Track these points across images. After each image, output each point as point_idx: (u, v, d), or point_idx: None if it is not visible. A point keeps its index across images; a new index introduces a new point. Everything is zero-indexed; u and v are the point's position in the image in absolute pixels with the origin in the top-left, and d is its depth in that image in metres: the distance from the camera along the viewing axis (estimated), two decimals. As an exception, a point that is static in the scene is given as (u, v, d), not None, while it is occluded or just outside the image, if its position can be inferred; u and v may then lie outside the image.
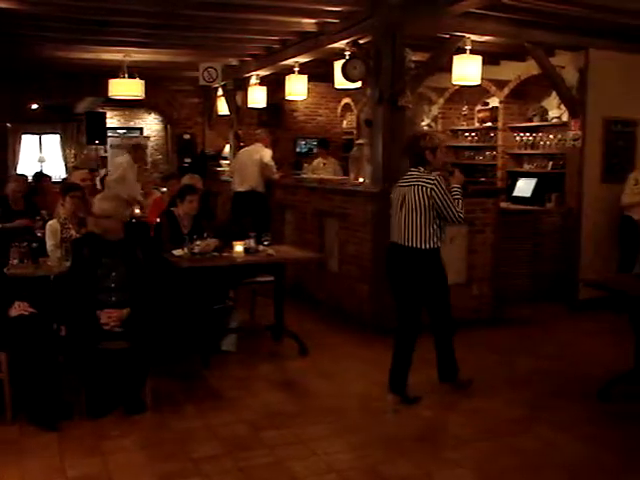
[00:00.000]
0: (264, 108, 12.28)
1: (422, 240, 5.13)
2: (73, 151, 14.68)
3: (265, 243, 6.48)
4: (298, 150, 14.93)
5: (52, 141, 15.05)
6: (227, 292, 6.77)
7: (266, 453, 4.41)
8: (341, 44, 8.18)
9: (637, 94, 8.68)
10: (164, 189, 9.17)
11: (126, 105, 14.63)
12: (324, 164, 11.90)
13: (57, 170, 14.47)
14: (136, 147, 10.92)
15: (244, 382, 5.76)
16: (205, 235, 6.23)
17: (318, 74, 11.04)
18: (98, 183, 10.31)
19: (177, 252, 6.12)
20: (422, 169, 5.19)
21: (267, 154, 9.88)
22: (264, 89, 11.60)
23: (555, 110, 10.24)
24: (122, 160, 10.43)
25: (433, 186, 5.05)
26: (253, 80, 11.54)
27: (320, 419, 4.98)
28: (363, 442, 4.61)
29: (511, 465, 4.31)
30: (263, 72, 11.23)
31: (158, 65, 11.70)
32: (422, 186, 5.08)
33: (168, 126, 15.39)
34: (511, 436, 4.75)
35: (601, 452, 4.52)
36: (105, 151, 14.64)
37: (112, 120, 15.56)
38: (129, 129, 16.26)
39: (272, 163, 9.90)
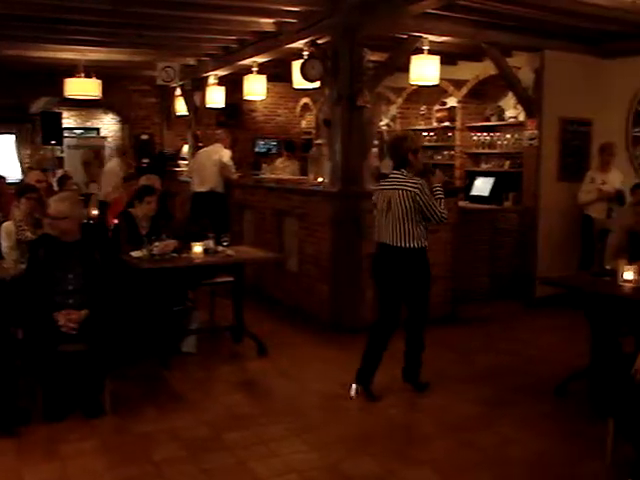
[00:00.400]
0: (223, 108, 12.21)
1: (411, 240, 5.29)
2: (29, 151, 14.45)
3: (224, 244, 6.45)
4: (257, 150, 14.89)
5: (7, 141, 14.79)
6: (186, 293, 6.74)
7: (228, 455, 4.38)
8: (299, 44, 8.18)
9: (591, 94, 8.84)
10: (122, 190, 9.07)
11: (83, 105, 14.42)
12: (286, 165, 11.89)
13: (12, 171, 14.21)
14: (122, 150, 10.87)
15: (205, 383, 5.73)
16: (164, 236, 6.17)
17: (277, 74, 11.05)
18: (54, 184, 10.14)
19: (136, 253, 6.06)
20: (404, 171, 5.32)
21: (226, 154, 9.84)
22: (222, 89, 11.54)
23: (512, 110, 10.38)
24: (113, 165, 10.23)
25: (417, 190, 5.20)
26: (211, 80, 11.47)
27: (281, 419, 4.97)
28: (325, 441, 4.62)
29: (472, 461, 4.36)
30: (221, 72, 11.18)
31: (115, 64, 11.57)
32: (407, 190, 5.22)
33: (126, 126, 15.23)
34: (472, 433, 4.80)
35: (558, 446, 4.59)
36: (62, 151, 14.44)
37: (68, 120, 15.38)
38: (86, 129, 16.08)
39: (231, 163, 9.86)
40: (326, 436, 4.70)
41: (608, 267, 5.41)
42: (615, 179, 8.35)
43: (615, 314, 5.17)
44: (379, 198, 5.46)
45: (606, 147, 8.56)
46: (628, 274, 4.98)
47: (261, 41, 9.16)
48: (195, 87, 12.04)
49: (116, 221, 6.88)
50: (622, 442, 4.19)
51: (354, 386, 5.40)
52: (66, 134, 14.45)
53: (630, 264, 5.04)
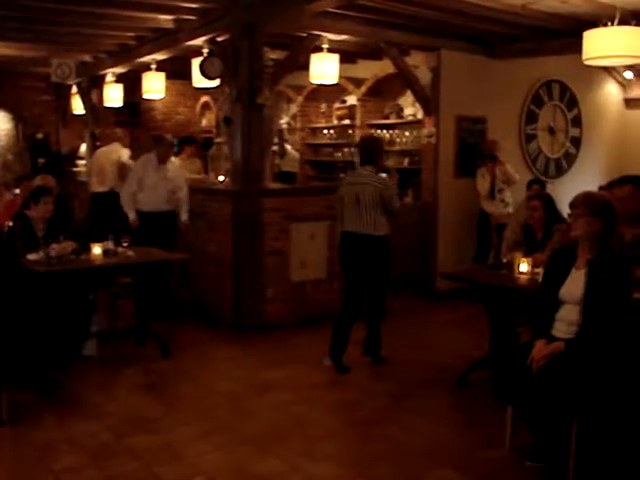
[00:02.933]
0: (121, 107, 11.98)
1: (376, 228, 5.99)
2: None
3: (124, 244, 6.33)
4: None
5: None
6: (86, 296, 6.57)
7: (132, 459, 4.29)
8: (199, 41, 8.09)
9: (486, 93, 9.11)
10: (17, 191, 8.76)
11: (-29, 102, 13.88)
12: (188, 163, 11.68)
13: None
14: (160, 139, 8.09)
15: (107, 388, 5.60)
16: (61, 238, 6.01)
17: (176, 72, 10.89)
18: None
19: (32, 256, 5.88)
20: (370, 168, 6.02)
21: (125, 154, 9.68)
22: (120, 87, 11.32)
23: (410, 108, 10.56)
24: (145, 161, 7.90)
25: (383, 186, 5.97)
26: (109, 78, 11.23)
27: (186, 421, 4.91)
28: (231, 441, 4.59)
29: (377, 453, 4.42)
30: (119, 69, 10.96)
31: (5, 60, 11.15)
32: (374, 185, 5.94)
33: (19, 125, 14.71)
34: (377, 426, 4.86)
35: (461, 435, 4.72)
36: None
37: (-44, 118, 14.74)
38: (-24, 128, 15.43)
39: (130, 162, 9.69)
40: (232, 436, 4.67)
41: (505, 260, 5.59)
42: (503, 174, 8.65)
43: (512, 305, 5.34)
44: (347, 191, 6.10)
45: (490, 144, 8.89)
46: (524, 266, 5.16)
47: (160, 38, 9.01)
48: (92, 85, 11.76)
49: (11, 223, 6.64)
50: (521, 428, 4.35)
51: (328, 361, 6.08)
52: (-46, 133, 13.85)
53: (525, 257, 5.22)
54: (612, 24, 5.93)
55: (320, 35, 7.98)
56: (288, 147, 11.30)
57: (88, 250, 6.08)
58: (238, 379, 5.79)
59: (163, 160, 7.68)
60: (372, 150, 6.14)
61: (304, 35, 8.02)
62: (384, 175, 6.16)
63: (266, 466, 4.23)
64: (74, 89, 12.34)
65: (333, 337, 6.11)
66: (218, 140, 11.65)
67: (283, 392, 5.50)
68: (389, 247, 6.15)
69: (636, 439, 3.72)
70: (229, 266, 7.37)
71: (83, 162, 12.25)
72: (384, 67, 9.97)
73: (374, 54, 9.82)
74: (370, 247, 6.03)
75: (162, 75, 10.13)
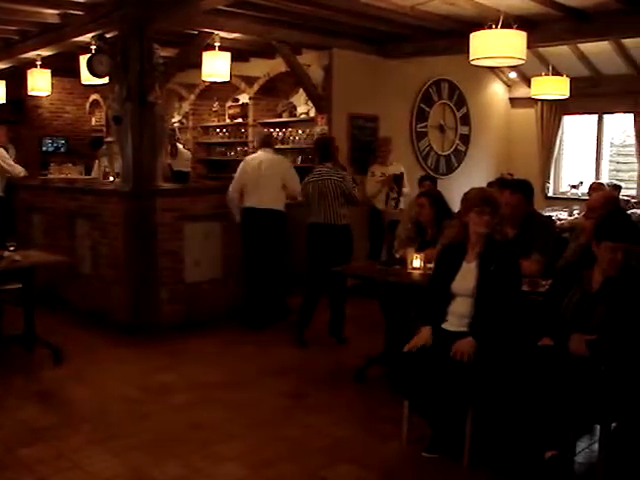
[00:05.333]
0: (4, 104, 11.52)
1: (339, 219, 6.74)
2: None
3: (10, 248, 6.08)
4: (44, 149, 14.15)
5: None
6: (-29, 303, 6.31)
7: (25, 472, 4.11)
8: (86, 37, 7.88)
9: (377, 91, 9.27)
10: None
11: None
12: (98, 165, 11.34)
13: None
14: (268, 139, 7.90)
15: (-5, 398, 5.39)
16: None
17: (63, 68, 10.56)
18: None
19: None
20: (329, 165, 6.81)
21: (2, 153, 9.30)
22: (3, 83, 10.89)
23: (303, 106, 10.60)
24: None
25: (342, 179, 6.73)
26: (-10, 73, 10.80)
27: (82, 428, 4.77)
28: (128, 447, 4.48)
29: (277, 453, 4.41)
30: (1, 65, 10.53)
31: None
32: (335, 179, 6.70)
33: None
34: (276, 425, 4.86)
35: (359, 431, 4.76)
36: None
37: None
38: None
39: (9, 162, 9.33)
40: (130, 442, 4.57)
41: (397, 256, 5.69)
42: (394, 171, 8.82)
43: (406, 300, 5.44)
44: (311, 187, 6.78)
45: (382, 141, 9.06)
46: (416, 262, 5.27)
47: (45, 33, 8.71)
48: (-28, 80, 11.27)
49: None
50: (417, 421, 4.45)
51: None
52: None
53: (418, 253, 5.33)
54: (496, 27, 6.13)
55: (212, 33, 7.91)
56: (180, 146, 11.15)
57: (-28, 255, 5.84)
58: (133, 383, 5.68)
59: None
60: (327, 148, 6.90)
61: (195, 33, 7.93)
62: (342, 170, 6.94)
63: (166, 470, 4.16)
64: (-49, 84, 11.78)
65: (299, 315, 6.91)
66: (108, 139, 11.39)
67: (180, 394, 5.43)
68: (351, 235, 6.89)
69: (526, 426, 3.86)
70: (123, 267, 7.21)
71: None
72: (276, 65, 9.98)
73: (266, 52, 9.79)
74: (334, 236, 6.72)
75: (48, 72, 9.80)
